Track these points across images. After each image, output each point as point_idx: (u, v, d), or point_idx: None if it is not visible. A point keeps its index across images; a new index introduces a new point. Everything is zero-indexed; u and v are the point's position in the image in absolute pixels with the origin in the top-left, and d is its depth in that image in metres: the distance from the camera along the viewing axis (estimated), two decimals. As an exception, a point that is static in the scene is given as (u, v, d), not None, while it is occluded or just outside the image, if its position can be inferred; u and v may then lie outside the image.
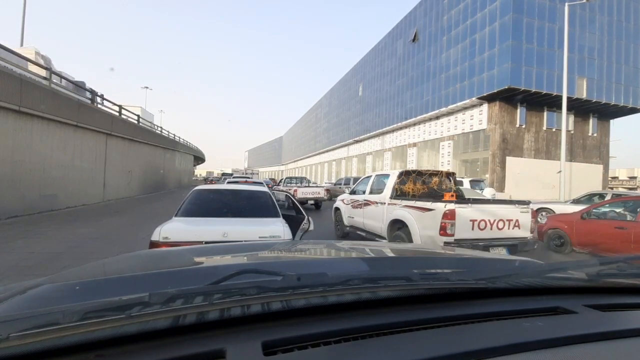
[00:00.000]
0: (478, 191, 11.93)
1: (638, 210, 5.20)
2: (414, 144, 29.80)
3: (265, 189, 4.46)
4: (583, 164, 23.22)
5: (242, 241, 2.93)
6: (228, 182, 11.72)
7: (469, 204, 4.50)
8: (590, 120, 23.76)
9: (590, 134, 23.82)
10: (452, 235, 4.28)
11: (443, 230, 4.28)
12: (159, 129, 25.20)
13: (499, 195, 16.89)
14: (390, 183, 5.72)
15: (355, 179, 17.54)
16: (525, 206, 4.77)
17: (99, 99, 14.65)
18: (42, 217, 8.63)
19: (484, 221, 4.46)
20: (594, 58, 22.02)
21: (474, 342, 0.59)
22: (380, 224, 5.60)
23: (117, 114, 15.31)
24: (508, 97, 20.79)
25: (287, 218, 3.85)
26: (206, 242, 2.84)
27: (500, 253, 4.43)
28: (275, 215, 3.82)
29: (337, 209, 7.65)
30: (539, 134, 22.17)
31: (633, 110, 23.77)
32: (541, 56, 20.53)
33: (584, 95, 21.32)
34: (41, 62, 14.76)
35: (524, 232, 4.70)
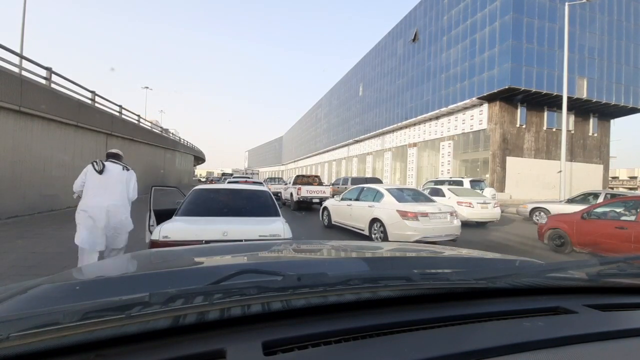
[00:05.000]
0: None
1: (639, 210, 5.19)
2: (414, 144, 29.79)
3: (265, 188, 4.46)
4: (583, 164, 23.22)
5: (242, 240, 2.93)
6: (228, 182, 11.72)
7: (307, 185, 13.94)
8: (591, 120, 23.76)
9: (590, 134, 23.81)
10: (301, 195, 13.04)
11: (298, 194, 13.06)
12: (185, 141, 32.90)
13: (499, 195, 16.91)
14: (291, 179, 15.79)
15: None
16: (328, 186, 14.39)
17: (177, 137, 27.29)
18: (42, 217, 8.64)
19: (311, 190, 13.33)
20: (594, 58, 22.01)
21: (474, 342, 0.59)
22: (288, 195, 14.14)
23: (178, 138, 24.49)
24: (508, 97, 20.78)
25: None
26: (206, 241, 2.84)
27: (315, 201, 13.15)
28: (275, 214, 3.82)
29: (278, 192, 15.91)
30: (539, 133, 22.16)
31: (633, 110, 23.76)
32: (541, 56, 20.53)
33: (584, 95, 21.32)
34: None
35: (327, 194, 13.05)
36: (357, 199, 7.71)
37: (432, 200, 7.18)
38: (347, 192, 8.59)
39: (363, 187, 7.99)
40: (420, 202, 6.79)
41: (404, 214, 6.11)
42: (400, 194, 6.88)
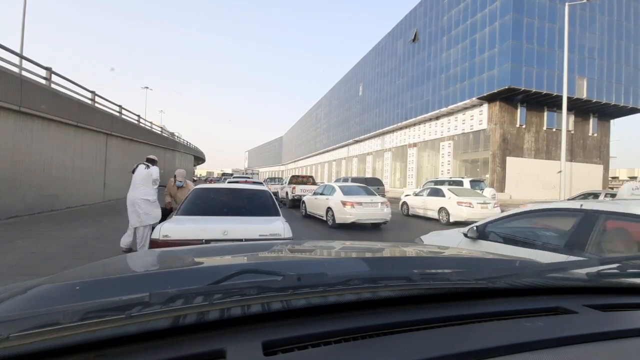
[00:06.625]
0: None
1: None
2: (414, 144, 29.81)
3: (265, 188, 4.47)
4: (583, 164, 23.23)
5: (242, 239, 2.94)
6: (228, 182, 11.73)
7: (301, 184, 15.10)
8: (591, 120, 23.77)
9: (590, 134, 23.83)
10: (295, 193, 14.01)
11: (292, 193, 14.21)
12: (184, 141, 33.83)
13: (499, 195, 16.92)
14: (287, 179, 17.36)
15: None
16: (316, 185, 14.61)
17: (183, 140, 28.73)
18: (42, 217, 8.63)
19: (305, 189, 13.79)
20: (594, 58, 22.03)
21: (474, 342, 0.59)
22: (284, 194, 15.54)
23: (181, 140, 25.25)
24: (508, 97, 20.80)
25: None
26: (206, 240, 2.85)
27: (306, 193, 11.77)
28: (276, 213, 3.83)
29: (276, 192, 16.52)
30: (539, 134, 22.17)
31: (633, 110, 23.78)
32: (541, 56, 20.54)
33: (584, 95, 21.33)
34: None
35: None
36: (321, 194, 9.95)
37: (373, 194, 9.16)
38: (317, 188, 11.09)
39: (326, 185, 10.47)
40: (361, 195, 8.83)
41: (344, 203, 8.38)
42: (348, 189, 9.10)
